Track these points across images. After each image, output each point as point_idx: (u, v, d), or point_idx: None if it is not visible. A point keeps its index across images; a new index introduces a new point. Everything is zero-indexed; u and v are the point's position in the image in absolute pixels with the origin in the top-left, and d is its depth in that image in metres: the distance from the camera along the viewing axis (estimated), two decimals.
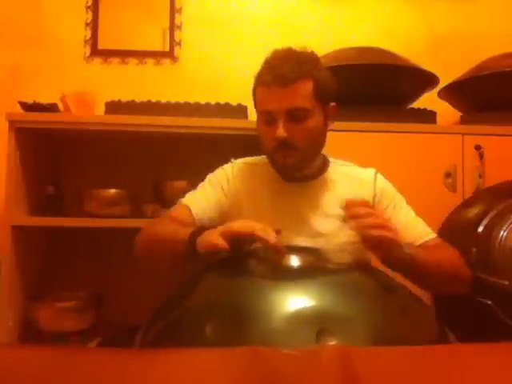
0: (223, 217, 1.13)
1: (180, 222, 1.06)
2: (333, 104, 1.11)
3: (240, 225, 0.86)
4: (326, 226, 1.09)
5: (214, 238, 0.82)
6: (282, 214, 1.11)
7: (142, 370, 0.47)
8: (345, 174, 1.17)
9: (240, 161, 1.22)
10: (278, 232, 0.84)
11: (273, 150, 1.07)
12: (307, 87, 1.04)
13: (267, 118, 1.06)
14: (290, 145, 1.04)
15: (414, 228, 1.11)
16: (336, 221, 1.08)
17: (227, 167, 1.20)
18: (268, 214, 1.11)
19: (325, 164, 1.18)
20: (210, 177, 1.20)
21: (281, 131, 1.02)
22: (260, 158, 1.22)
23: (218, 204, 1.14)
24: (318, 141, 1.11)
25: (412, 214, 1.14)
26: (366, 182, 1.15)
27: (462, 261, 1.06)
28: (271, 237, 0.80)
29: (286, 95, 1.02)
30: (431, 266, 0.98)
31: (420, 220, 1.13)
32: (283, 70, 1.02)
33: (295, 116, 1.03)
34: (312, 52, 1.09)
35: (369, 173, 1.17)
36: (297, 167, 1.10)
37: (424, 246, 1.07)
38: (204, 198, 1.14)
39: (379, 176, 1.18)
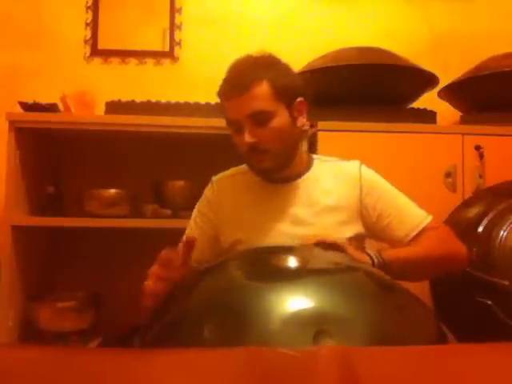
0: (218, 238, 1.17)
1: None
2: (299, 99, 1.09)
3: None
4: (316, 225, 1.09)
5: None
6: (270, 216, 1.11)
7: (141, 370, 0.47)
8: (330, 169, 1.17)
9: (219, 176, 1.23)
10: (191, 243, 0.87)
11: (247, 156, 1.08)
12: (263, 90, 1.04)
13: (235, 127, 1.07)
14: (260, 149, 1.05)
15: (408, 218, 1.11)
16: (325, 217, 1.09)
17: (207, 190, 1.22)
18: (256, 219, 1.12)
19: (309, 162, 1.17)
20: (195, 208, 1.23)
21: (247, 137, 1.03)
22: (241, 168, 1.22)
23: (206, 237, 1.17)
24: (289, 139, 1.09)
25: (402, 200, 1.14)
26: (351, 176, 1.14)
27: (454, 242, 1.10)
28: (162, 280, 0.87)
29: (244, 102, 1.03)
30: (412, 262, 1.01)
31: (412, 205, 1.13)
32: (237, 79, 1.05)
33: (258, 120, 1.04)
34: (269, 55, 1.10)
35: (353, 166, 1.16)
36: (273, 169, 1.09)
37: (406, 242, 1.09)
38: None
39: (364, 167, 1.16)
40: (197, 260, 1.15)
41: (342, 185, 1.13)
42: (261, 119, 1.04)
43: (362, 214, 1.12)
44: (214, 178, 1.23)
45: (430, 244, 1.06)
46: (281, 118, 1.06)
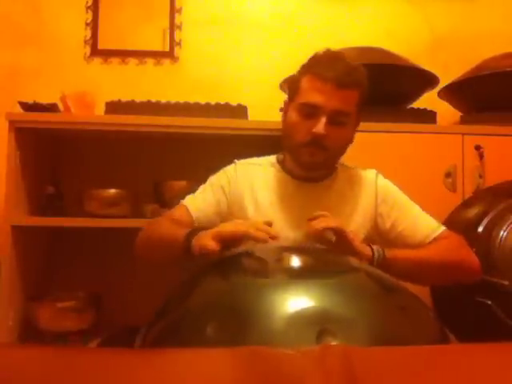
0: (224, 217, 1.14)
1: (178, 223, 1.07)
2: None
3: (233, 226, 0.89)
4: None
5: (206, 241, 0.85)
6: (292, 213, 1.12)
7: (142, 370, 0.47)
8: (348, 176, 1.19)
9: (243, 161, 1.21)
10: (269, 224, 0.88)
11: (302, 145, 1.07)
12: (355, 96, 1.06)
13: (308, 110, 1.05)
14: (323, 144, 1.05)
15: (421, 226, 1.12)
16: (343, 222, 1.09)
17: (229, 168, 1.20)
18: (272, 212, 1.12)
19: (334, 166, 1.19)
20: (211, 178, 1.21)
21: (322, 128, 1.02)
22: (265, 160, 1.22)
23: (217, 205, 1.15)
24: (345, 148, 1.12)
25: (416, 210, 1.15)
26: (367, 184, 1.17)
27: (464, 251, 1.09)
28: (267, 233, 0.83)
29: (339, 96, 1.03)
30: (421, 264, 1.02)
31: (425, 215, 1.14)
32: (343, 71, 1.03)
33: (337, 119, 1.04)
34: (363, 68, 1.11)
35: (370, 174, 1.19)
36: (319, 167, 1.11)
37: (415, 245, 1.09)
38: (203, 199, 1.16)
39: (380, 177, 1.19)
40: (198, 219, 1.12)
41: (359, 193, 1.15)
42: (339, 120, 1.05)
43: (376, 221, 1.14)
44: (237, 161, 1.21)
45: (437, 249, 1.07)
46: (351, 127, 1.09)
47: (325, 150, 1.06)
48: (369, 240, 1.12)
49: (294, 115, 1.08)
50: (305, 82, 1.07)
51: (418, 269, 1.02)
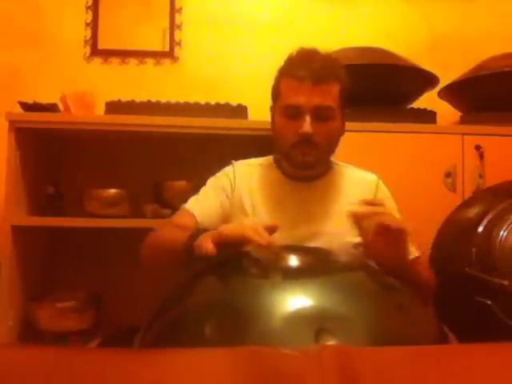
0: (226, 219, 1.13)
1: (181, 227, 1.06)
2: (345, 110, 1.13)
3: (231, 228, 0.86)
4: (330, 226, 1.10)
5: (204, 243, 0.82)
6: (285, 212, 1.11)
7: (142, 370, 0.47)
8: (348, 175, 1.19)
9: (241, 162, 1.21)
10: (274, 229, 0.84)
11: (292, 146, 1.07)
12: (335, 89, 1.06)
13: (292, 111, 1.06)
14: (312, 142, 1.05)
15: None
16: (339, 220, 1.09)
17: (228, 169, 1.20)
18: (271, 213, 1.12)
19: (329, 165, 1.19)
20: (211, 180, 1.20)
21: (307, 127, 1.03)
22: (262, 160, 1.22)
23: (220, 207, 1.14)
24: (335, 143, 1.13)
25: None
26: (368, 186, 1.17)
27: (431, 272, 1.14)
28: (263, 238, 0.79)
29: (318, 92, 1.03)
30: (417, 279, 1.02)
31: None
32: (317, 66, 1.04)
33: (321, 114, 1.05)
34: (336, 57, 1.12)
35: (371, 178, 1.19)
36: (313, 165, 1.10)
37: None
38: (206, 202, 1.15)
39: (381, 184, 1.19)
40: (202, 223, 1.10)
41: (359, 192, 1.15)
42: (323, 115, 1.05)
43: None
44: (235, 162, 1.21)
45: (425, 268, 1.11)
46: (337, 121, 1.09)
47: (315, 148, 1.06)
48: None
49: (279, 118, 1.09)
50: (283, 85, 1.08)
51: (415, 282, 1.00)
